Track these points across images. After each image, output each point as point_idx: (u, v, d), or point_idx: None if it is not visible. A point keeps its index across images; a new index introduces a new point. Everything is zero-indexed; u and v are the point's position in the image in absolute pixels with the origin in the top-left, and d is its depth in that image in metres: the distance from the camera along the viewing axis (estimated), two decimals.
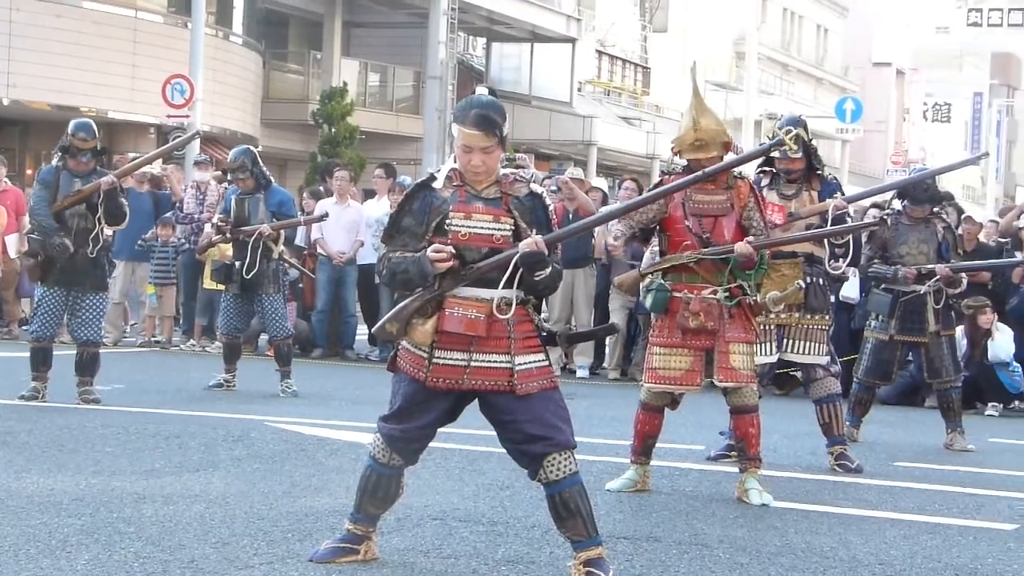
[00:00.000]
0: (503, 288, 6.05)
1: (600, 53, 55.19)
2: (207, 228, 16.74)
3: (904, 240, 11.50)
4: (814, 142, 10.38)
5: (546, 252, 6.03)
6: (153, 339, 18.81)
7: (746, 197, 8.51)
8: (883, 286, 11.53)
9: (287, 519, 7.28)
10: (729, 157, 8.53)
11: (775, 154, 10.12)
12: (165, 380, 14.31)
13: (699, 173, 8.01)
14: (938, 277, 11.37)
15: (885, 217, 11.62)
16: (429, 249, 6.00)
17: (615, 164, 48.87)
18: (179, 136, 26.74)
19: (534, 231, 6.04)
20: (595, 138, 46.92)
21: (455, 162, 6.18)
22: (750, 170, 10.36)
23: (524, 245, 5.99)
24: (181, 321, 19.03)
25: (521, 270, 6.02)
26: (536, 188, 6.25)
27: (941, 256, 11.47)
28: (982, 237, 16.55)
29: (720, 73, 57.32)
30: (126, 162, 18.77)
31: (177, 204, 18.71)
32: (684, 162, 8.65)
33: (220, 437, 10.20)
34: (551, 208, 6.30)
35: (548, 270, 6.04)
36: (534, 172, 11.78)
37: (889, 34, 77.86)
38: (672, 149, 8.75)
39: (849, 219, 10.31)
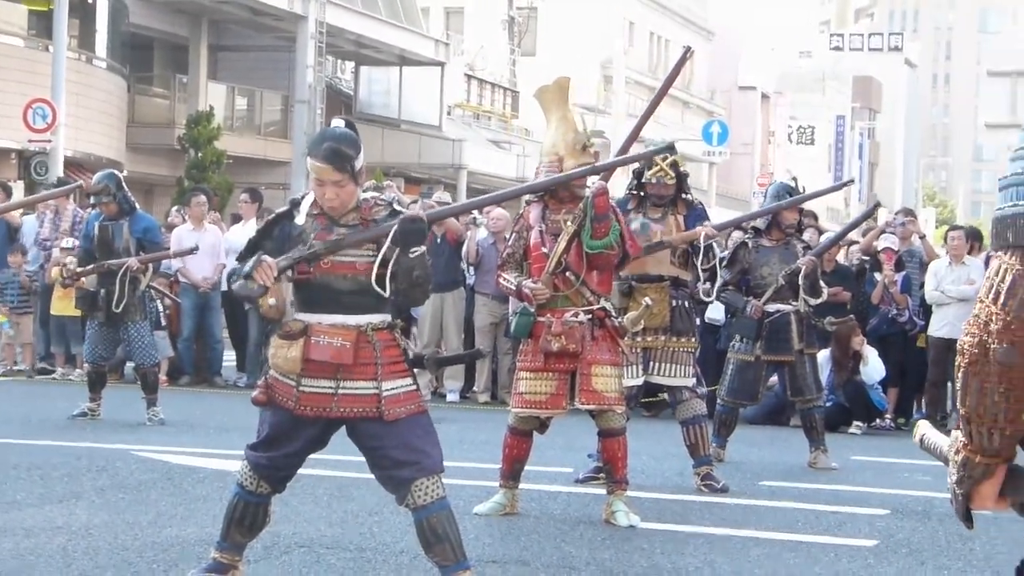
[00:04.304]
0: (376, 271, 6.00)
1: (469, 77, 55.31)
2: (55, 253, 16.60)
3: (766, 262, 11.65)
4: (685, 168, 10.51)
5: (425, 220, 6.01)
6: (14, 367, 18.54)
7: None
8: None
9: (152, 549, 7.21)
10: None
11: (649, 179, 10.25)
12: (28, 409, 14.10)
13: (596, 165, 8.15)
14: (804, 272, 11.48)
15: (746, 240, 11.77)
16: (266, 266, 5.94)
17: (485, 187, 48.86)
18: (40, 166, 26.51)
19: (398, 250, 6.01)
20: (465, 162, 47.00)
21: None
22: (616, 191, 10.50)
23: (406, 215, 5.98)
24: (37, 349, 18.76)
25: (397, 255, 5.95)
26: (398, 207, 6.22)
27: (804, 277, 11.60)
28: (841, 259, 16.81)
29: (588, 96, 57.61)
30: None
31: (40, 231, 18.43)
32: None
33: (84, 467, 10.07)
34: None
35: (423, 248, 6.00)
36: (396, 195, 11.60)
37: (754, 58, 78.78)
38: (549, 160, 8.58)
39: (717, 247, 10.46)
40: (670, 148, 8.76)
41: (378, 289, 5.98)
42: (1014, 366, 2.70)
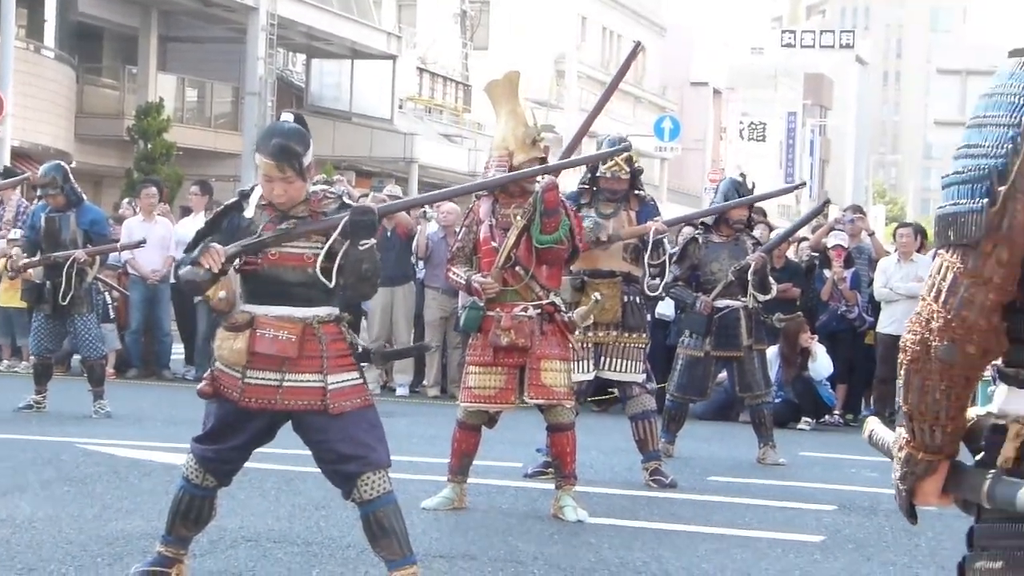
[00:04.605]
0: (318, 306, 6.02)
1: (421, 70, 55.20)
2: (1, 244, 16.47)
3: (716, 258, 11.68)
4: (639, 164, 10.54)
5: (375, 212, 6.00)
6: None
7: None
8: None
9: (97, 543, 7.17)
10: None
11: (603, 173, 10.25)
12: None
13: (551, 164, 8.23)
14: (754, 268, 11.51)
15: (696, 236, 11.80)
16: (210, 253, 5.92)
17: (436, 181, 48.84)
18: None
19: (348, 242, 5.99)
20: (416, 155, 46.90)
21: None
22: (568, 185, 10.51)
23: (357, 206, 5.98)
24: None
25: (347, 247, 5.93)
26: (348, 200, 6.23)
27: (754, 273, 11.63)
28: (791, 256, 16.87)
29: (540, 91, 57.63)
30: None
31: None
32: None
33: (29, 460, 10.00)
34: None
35: (373, 241, 5.99)
36: (346, 188, 11.72)
37: (706, 54, 78.94)
38: (499, 154, 8.61)
39: (668, 243, 10.49)
40: (625, 148, 8.78)
41: (323, 280, 5.97)
42: (955, 364, 2.72)
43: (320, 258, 5.97)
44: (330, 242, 5.96)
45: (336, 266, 5.97)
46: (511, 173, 8.30)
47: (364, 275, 6.00)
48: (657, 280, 10.33)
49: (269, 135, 6.06)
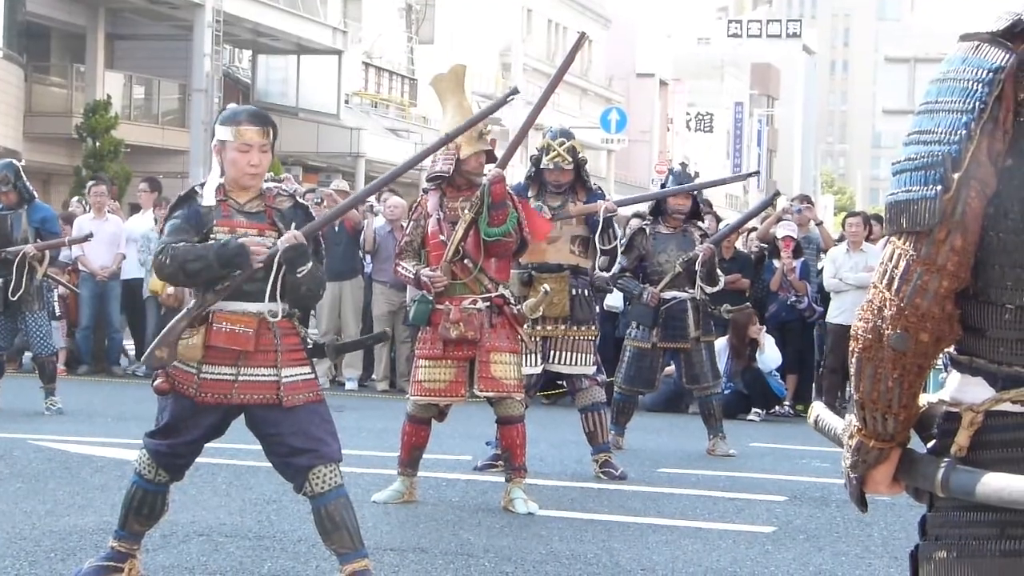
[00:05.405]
0: (268, 301, 6.03)
1: (367, 65, 55.08)
2: None
3: (663, 249, 11.69)
4: (583, 154, 10.52)
5: (306, 244, 6.02)
6: None
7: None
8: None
9: (50, 538, 7.15)
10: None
11: (547, 165, 10.23)
12: None
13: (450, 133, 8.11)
14: (702, 259, 11.52)
15: (643, 227, 11.79)
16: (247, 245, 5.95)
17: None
18: None
19: (285, 268, 6.02)
20: (363, 150, 46.80)
21: (221, 176, 6.13)
22: (514, 178, 10.50)
23: (283, 241, 6.00)
24: None
25: (284, 272, 5.98)
26: (300, 199, 6.27)
27: (701, 265, 11.65)
28: (740, 246, 16.92)
29: (486, 84, 57.58)
30: None
31: None
32: None
33: None
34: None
35: (309, 265, 6.02)
36: (296, 187, 11.69)
37: (651, 45, 78.99)
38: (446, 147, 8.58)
39: (616, 224, 10.49)
40: (514, 91, 8.68)
41: (270, 310, 6.00)
42: (907, 352, 2.72)
43: (268, 294, 5.99)
44: (272, 280, 5.98)
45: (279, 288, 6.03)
46: (418, 153, 8.11)
47: (304, 295, 6.18)
48: (605, 259, 10.29)
49: (235, 113, 6.13)
